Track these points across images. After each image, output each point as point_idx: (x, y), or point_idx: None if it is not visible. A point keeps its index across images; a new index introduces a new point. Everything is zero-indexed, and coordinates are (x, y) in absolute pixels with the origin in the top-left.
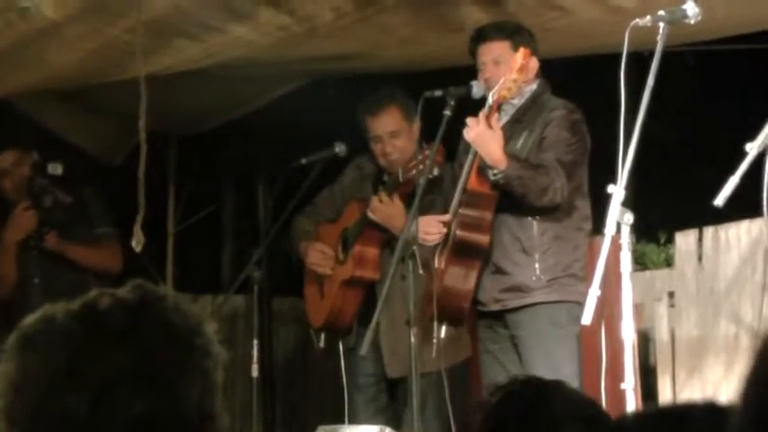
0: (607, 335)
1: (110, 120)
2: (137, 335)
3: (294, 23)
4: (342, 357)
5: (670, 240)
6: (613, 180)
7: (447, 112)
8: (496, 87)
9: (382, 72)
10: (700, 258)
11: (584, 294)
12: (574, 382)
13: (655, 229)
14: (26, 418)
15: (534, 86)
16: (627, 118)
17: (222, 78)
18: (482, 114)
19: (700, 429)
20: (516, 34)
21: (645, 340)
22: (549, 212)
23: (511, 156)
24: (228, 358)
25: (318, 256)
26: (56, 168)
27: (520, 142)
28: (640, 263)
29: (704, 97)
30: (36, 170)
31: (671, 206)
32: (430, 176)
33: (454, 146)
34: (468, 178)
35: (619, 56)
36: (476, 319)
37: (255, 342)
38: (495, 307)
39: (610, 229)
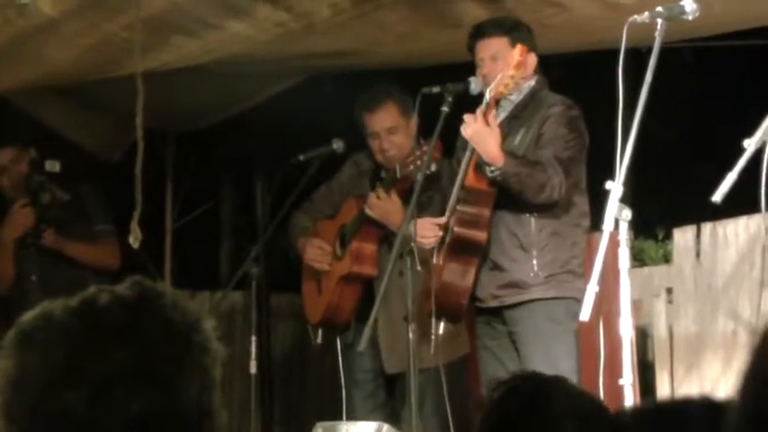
0: (605, 331)
1: (107, 117)
2: (135, 331)
3: (292, 20)
4: (340, 353)
5: (668, 236)
6: (611, 176)
7: (445, 109)
8: (494, 84)
9: (380, 68)
10: (698, 254)
11: (582, 291)
12: (572, 379)
13: (653, 225)
14: (25, 416)
15: (532, 82)
16: (625, 114)
17: (220, 75)
18: (479, 111)
19: (696, 424)
20: (515, 30)
21: (643, 336)
22: (547, 209)
23: (508, 153)
24: (226, 355)
25: (316, 252)
26: (53, 165)
27: (518, 138)
28: (638, 259)
29: (702, 93)
30: (34, 167)
31: (669, 202)
32: (427, 172)
33: (452, 142)
34: (465, 175)
35: (617, 52)
36: (474, 315)
37: (253, 338)
38: (492, 303)
39: (608, 225)
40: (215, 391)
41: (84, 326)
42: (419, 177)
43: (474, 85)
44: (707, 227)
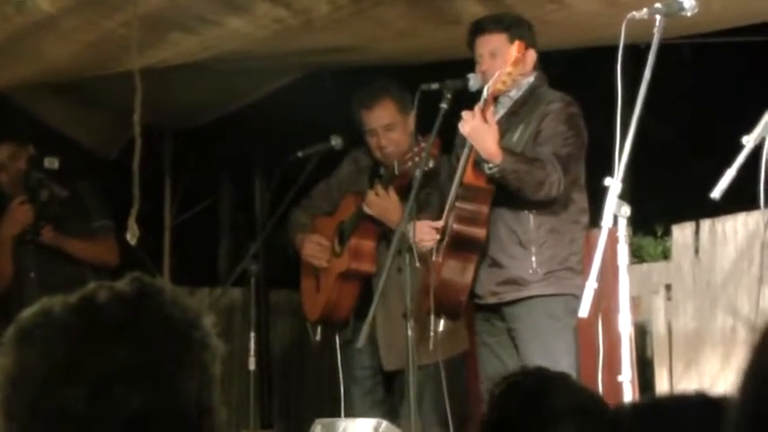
0: (604, 328)
1: (106, 114)
2: (135, 328)
3: (290, 16)
4: (338, 350)
5: (667, 233)
6: (610, 173)
7: (444, 105)
8: (492, 81)
9: (378, 65)
10: (696, 251)
11: (581, 287)
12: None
13: (652, 221)
14: (24, 413)
15: (531, 79)
16: (624, 111)
17: (218, 72)
18: (477, 108)
19: (692, 420)
20: (514, 27)
21: (642, 333)
22: (546, 206)
23: (506, 150)
24: (225, 351)
25: (314, 248)
26: (52, 162)
27: (516, 135)
28: (637, 255)
29: (701, 90)
30: (32, 164)
31: (668, 199)
32: (426, 169)
33: (451, 139)
34: (464, 172)
35: (616, 48)
36: (473, 311)
37: (252, 335)
38: (491, 300)
39: (607, 221)
40: (214, 387)
41: (84, 322)
42: (417, 174)
43: (473, 81)
44: (706, 223)
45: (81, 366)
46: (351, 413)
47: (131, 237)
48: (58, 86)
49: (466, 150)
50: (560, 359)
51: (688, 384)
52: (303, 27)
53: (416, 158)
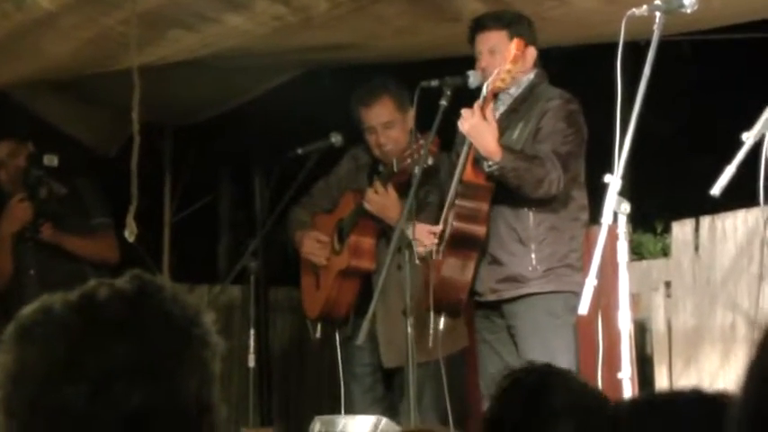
0: (604, 325)
1: (105, 111)
2: (135, 325)
3: (289, 13)
4: (338, 348)
5: (666, 230)
6: (610, 170)
7: (443, 102)
8: (491, 78)
9: (378, 62)
10: (696, 248)
11: (581, 284)
12: None
13: (651, 218)
14: (24, 410)
15: (531, 76)
16: (623, 107)
17: (217, 69)
18: (477, 105)
19: (686, 416)
20: (514, 24)
21: (641, 330)
22: (546, 203)
23: (506, 147)
24: (225, 349)
25: (314, 245)
26: (51, 160)
27: (516, 132)
28: (637, 252)
29: (701, 87)
30: (31, 161)
31: (667, 196)
32: (425, 166)
33: (451, 136)
34: (463, 169)
35: (615, 45)
36: (473, 309)
37: (252, 332)
38: (491, 297)
39: (606, 218)
40: (214, 385)
41: (84, 320)
42: (417, 171)
43: (472, 78)
44: (705, 220)
45: (81, 364)
46: (351, 410)
47: (129, 234)
48: (57, 84)
49: (465, 148)
50: (560, 356)
51: (687, 381)
52: (302, 24)
53: (415, 156)
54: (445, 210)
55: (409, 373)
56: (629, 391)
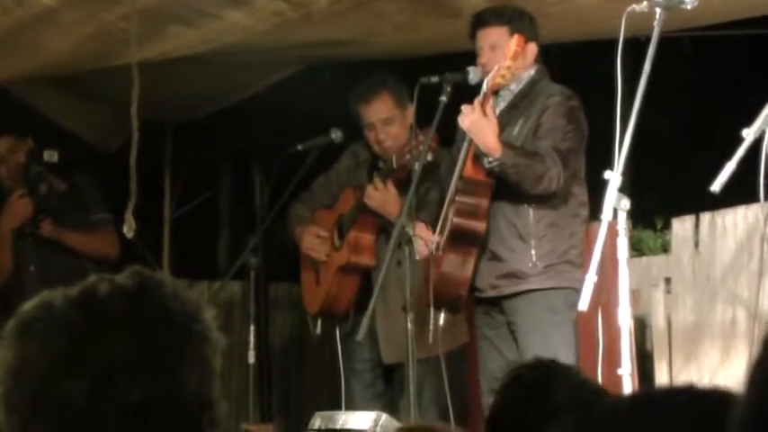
0: (604, 321)
1: (105, 107)
2: (136, 321)
3: (289, 9)
4: (338, 343)
5: (667, 226)
6: (610, 166)
7: (443, 98)
8: (491, 74)
9: (378, 58)
10: (696, 244)
11: (581, 280)
12: None
13: (651, 215)
14: (25, 406)
15: (532, 72)
16: (623, 104)
17: (217, 65)
18: (477, 101)
19: (683, 414)
20: (515, 20)
21: (641, 326)
22: (546, 199)
23: (506, 143)
24: (225, 344)
25: (314, 241)
26: (51, 156)
27: (516, 129)
28: (637, 249)
29: (701, 83)
30: (31, 157)
31: (668, 192)
32: (425, 162)
33: (451, 132)
34: (464, 165)
35: (616, 42)
36: (473, 305)
37: (252, 328)
38: (491, 293)
39: (606, 215)
40: (215, 380)
41: (84, 316)
42: (417, 167)
43: (473, 74)
44: (705, 216)
45: (82, 359)
46: (351, 406)
47: (128, 230)
48: (57, 79)
49: (465, 144)
50: (560, 352)
51: (687, 377)
52: (302, 20)
53: (414, 152)
54: (445, 206)
55: (409, 368)
56: (629, 387)
